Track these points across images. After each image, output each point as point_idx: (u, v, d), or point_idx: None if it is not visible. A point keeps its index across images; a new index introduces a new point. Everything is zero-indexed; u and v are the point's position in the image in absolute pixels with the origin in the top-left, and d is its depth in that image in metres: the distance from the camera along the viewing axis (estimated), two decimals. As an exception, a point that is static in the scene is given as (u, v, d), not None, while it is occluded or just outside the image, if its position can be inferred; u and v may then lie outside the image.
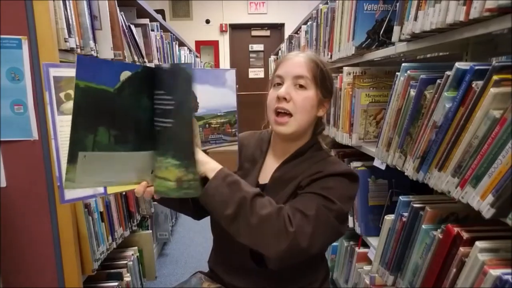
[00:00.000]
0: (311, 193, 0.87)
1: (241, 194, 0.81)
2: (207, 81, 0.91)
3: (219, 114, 0.94)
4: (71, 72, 0.75)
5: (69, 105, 0.75)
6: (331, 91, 0.99)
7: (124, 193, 1.71)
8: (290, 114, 0.92)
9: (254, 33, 7.03)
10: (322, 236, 0.85)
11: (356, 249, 1.64)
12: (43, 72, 0.74)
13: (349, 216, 0.97)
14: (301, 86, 0.92)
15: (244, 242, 0.83)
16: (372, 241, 1.46)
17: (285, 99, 0.92)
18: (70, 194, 0.80)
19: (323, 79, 0.94)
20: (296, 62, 0.94)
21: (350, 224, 1.61)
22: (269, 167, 1.02)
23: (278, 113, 0.93)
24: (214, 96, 0.93)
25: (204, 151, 0.93)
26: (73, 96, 0.70)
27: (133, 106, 0.78)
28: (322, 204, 0.85)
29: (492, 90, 0.71)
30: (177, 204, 1.04)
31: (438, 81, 0.89)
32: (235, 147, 0.99)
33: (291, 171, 0.97)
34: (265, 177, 1.01)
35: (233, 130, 0.96)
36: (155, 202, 1.76)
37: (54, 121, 0.76)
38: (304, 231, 0.81)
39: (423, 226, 0.95)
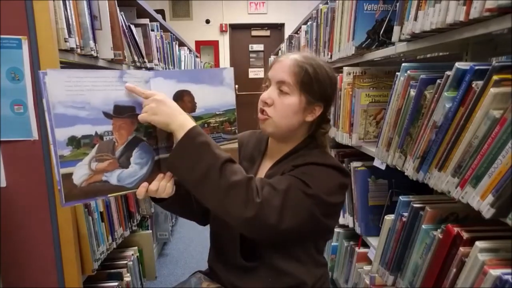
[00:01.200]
0: (289, 175, 0.88)
1: (211, 157, 0.81)
2: (204, 80, 0.92)
3: (217, 113, 0.94)
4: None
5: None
6: (322, 95, 0.95)
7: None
8: (270, 116, 0.94)
9: (254, 33, 7.03)
10: (291, 212, 0.83)
11: (356, 249, 1.64)
12: (39, 80, 0.75)
13: (335, 209, 0.97)
14: (284, 92, 0.93)
15: (209, 206, 0.84)
16: (372, 241, 1.46)
17: (266, 103, 0.94)
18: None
19: (308, 84, 0.92)
20: (281, 66, 0.94)
21: (350, 224, 1.61)
22: (266, 167, 1.03)
23: (263, 113, 0.96)
24: (212, 95, 0.93)
25: None
26: None
27: None
28: (297, 186, 0.85)
29: (492, 90, 0.71)
30: (177, 208, 1.04)
31: (438, 81, 0.89)
32: (235, 145, 0.99)
33: (282, 168, 0.97)
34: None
35: (233, 128, 0.96)
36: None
37: (52, 127, 0.76)
38: (272, 204, 0.81)
39: (423, 226, 0.95)
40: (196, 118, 0.91)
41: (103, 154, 0.81)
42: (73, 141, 0.78)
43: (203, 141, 0.82)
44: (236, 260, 0.97)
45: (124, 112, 0.82)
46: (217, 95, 0.94)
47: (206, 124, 0.93)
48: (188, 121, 0.83)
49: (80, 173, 0.79)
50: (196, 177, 0.81)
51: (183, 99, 0.89)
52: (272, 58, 5.29)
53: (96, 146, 0.80)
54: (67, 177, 0.78)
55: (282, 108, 0.93)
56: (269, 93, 0.94)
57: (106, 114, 0.80)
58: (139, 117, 0.83)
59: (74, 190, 0.79)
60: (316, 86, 0.93)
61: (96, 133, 0.80)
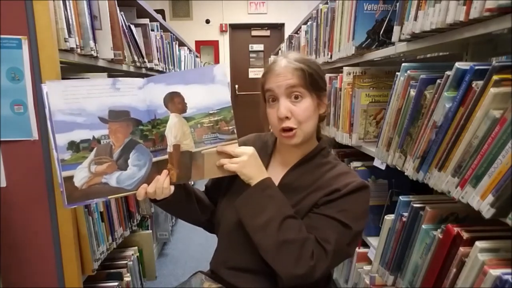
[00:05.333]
0: (329, 218, 0.89)
1: (274, 210, 0.87)
2: (194, 80, 0.91)
3: (211, 112, 0.92)
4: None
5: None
6: (324, 86, 0.98)
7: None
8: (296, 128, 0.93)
9: (254, 33, 7.03)
10: (334, 266, 0.94)
11: (356, 249, 1.63)
12: (41, 92, 0.83)
13: (362, 233, 1.02)
14: (296, 97, 0.92)
15: (263, 255, 0.88)
16: (372, 241, 1.46)
17: (287, 117, 0.92)
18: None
19: (313, 83, 0.93)
20: (284, 74, 0.92)
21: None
22: (275, 171, 1.02)
23: (287, 129, 0.94)
24: (204, 94, 0.92)
25: (199, 152, 0.93)
26: None
27: None
28: (340, 233, 0.88)
29: (492, 90, 0.71)
30: (177, 210, 1.04)
31: (438, 81, 0.89)
32: (235, 145, 0.98)
33: (299, 179, 0.97)
34: None
35: (230, 127, 0.93)
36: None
37: (53, 132, 0.81)
38: (321, 265, 0.86)
39: (423, 226, 0.95)
40: (187, 119, 0.91)
41: (101, 157, 0.86)
42: (73, 145, 0.83)
43: (271, 194, 0.89)
44: (250, 265, 0.97)
45: (119, 117, 0.87)
46: (209, 94, 0.92)
47: (199, 125, 0.92)
48: (265, 174, 0.92)
49: (81, 176, 0.84)
50: (256, 225, 0.88)
51: (173, 100, 0.89)
52: (272, 58, 5.29)
53: (94, 149, 0.85)
54: (69, 179, 0.83)
55: (303, 114, 0.93)
56: (284, 107, 0.92)
57: (101, 119, 0.85)
58: (228, 166, 0.90)
59: (75, 192, 0.83)
60: (319, 80, 0.96)
61: (93, 137, 0.85)
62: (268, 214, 0.87)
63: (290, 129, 0.93)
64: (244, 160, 0.90)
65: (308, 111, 0.93)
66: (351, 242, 0.91)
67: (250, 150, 0.92)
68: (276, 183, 0.98)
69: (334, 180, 0.94)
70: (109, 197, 0.88)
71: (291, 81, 0.91)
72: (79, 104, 0.83)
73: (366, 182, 0.95)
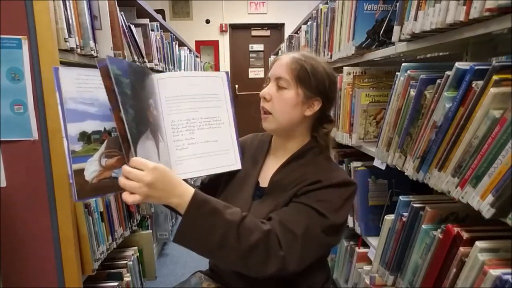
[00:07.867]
0: (304, 205, 0.88)
1: (224, 224, 0.78)
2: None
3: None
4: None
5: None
6: (321, 90, 0.95)
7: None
8: (270, 113, 0.97)
9: (254, 33, 7.03)
10: (309, 254, 0.86)
11: (356, 249, 1.64)
12: (53, 75, 0.78)
13: (343, 226, 0.96)
14: (282, 87, 0.95)
15: (231, 268, 0.85)
16: (372, 241, 1.46)
17: (265, 98, 0.97)
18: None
19: (305, 78, 0.94)
20: (280, 64, 0.97)
21: (350, 224, 1.61)
22: (270, 168, 1.03)
23: (263, 111, 0.99)
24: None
25: None
26: None
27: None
28: (313, 219, 0.86)
29: (492, 90, 0.71)
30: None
31: (438, 81, 0.89)
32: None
33: (289, 176, 0.97)
34: (265, 179, 1.01)
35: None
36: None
37: (64, 120, 0.78)
38: (293, 253, 0.82)
39: (423, 226, 0.95)
40: None
41: (111, 150, 0.83)
42: (84, 136, 0.80)
43: (211, 208, 0.78)
44: None
45: None
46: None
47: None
48: (185, 191, 0.79)
49: (91, 169, 0.81)
50: (212, 247, 0.79)
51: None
52: (272, 58, 5.29)
53: (105, 142, 0.82)
54: (79, 173, 0.79)
55: (280, 102, 0.95)
56: (267, 89, 0.97)
57: None
58: (131, 198, 0.76)
59: (86, 187, 0.80)
60: (313, 80, 0.95)
61: (104, 129, 0.82)
62: (220, 230, 0.78)
63: (267, 112, 0.97)
64: (144, 191, 0.75)
65: (286, 103, 0.95)
66: (327, 230, 0.86)
67: (147, 178, 0.75)
68: (268, 181, 0.99)
69: (319, 174, 0.93)
70: (118, 192, 0.84)
71: (280, 71, 0.95)
72: (92, 93, 0.81)
73: (353, 180, 0.95)
